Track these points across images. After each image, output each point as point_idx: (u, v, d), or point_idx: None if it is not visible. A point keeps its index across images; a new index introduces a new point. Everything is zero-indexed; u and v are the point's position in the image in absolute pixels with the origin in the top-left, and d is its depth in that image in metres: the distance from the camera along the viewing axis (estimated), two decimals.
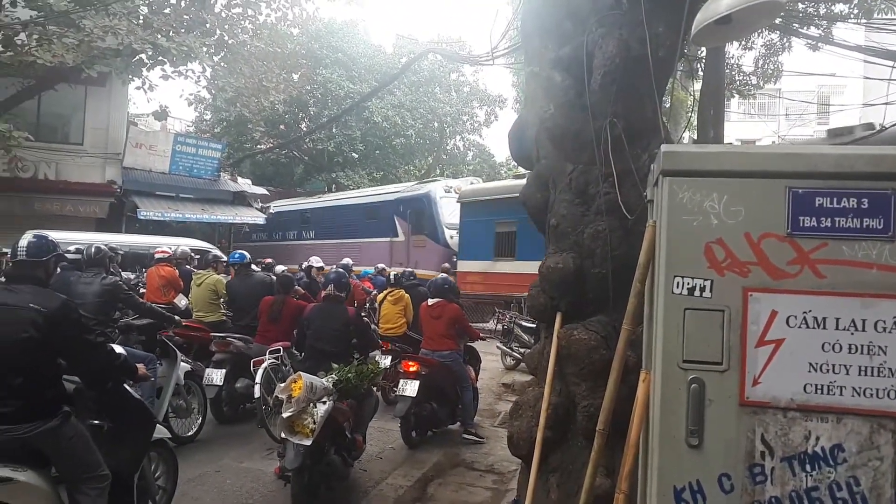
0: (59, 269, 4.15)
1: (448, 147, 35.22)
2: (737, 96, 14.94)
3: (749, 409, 2.25)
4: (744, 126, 27.91)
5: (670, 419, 2.26)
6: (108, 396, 3.59)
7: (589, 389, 3.57)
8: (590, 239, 3.65)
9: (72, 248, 6.92)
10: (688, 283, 2.27)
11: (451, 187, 17.59)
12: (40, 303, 3.02)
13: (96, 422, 3.53)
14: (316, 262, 10.62)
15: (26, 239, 3.25)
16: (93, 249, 6.12)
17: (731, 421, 2.25)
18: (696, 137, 8.66)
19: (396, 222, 18.41)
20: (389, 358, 7.41)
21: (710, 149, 2.40)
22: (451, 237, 16.56)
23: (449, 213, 16.80)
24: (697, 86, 8.69)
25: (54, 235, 3.77)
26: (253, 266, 8.74)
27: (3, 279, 4.54)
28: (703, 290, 2.26)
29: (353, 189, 26.73)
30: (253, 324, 7.23)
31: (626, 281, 3.50)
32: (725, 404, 2.25)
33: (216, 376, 6.59)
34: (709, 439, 2.23)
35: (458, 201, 16.26)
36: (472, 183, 18.53)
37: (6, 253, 4.92)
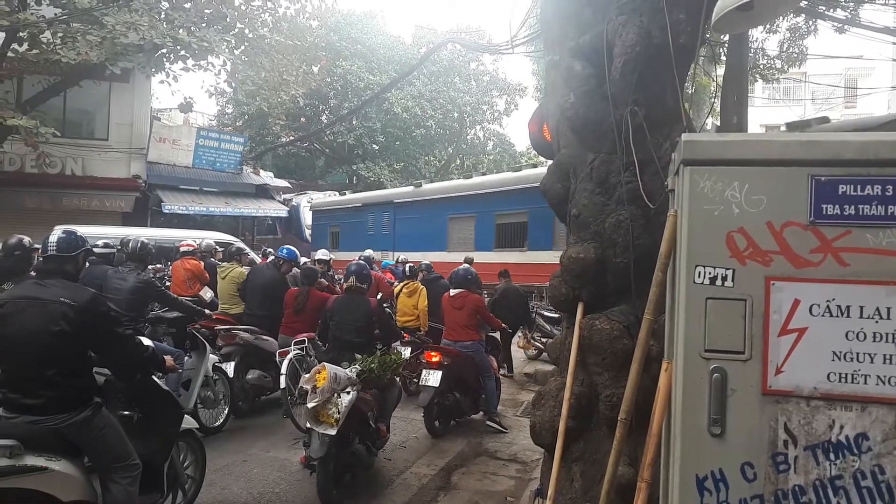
0: (87, 264, 4.23)
1: (468, 137, 35.15)
2: (761, 80, 14.69)
3: (772, 398, 2.23)
4: (768, 111, 27.45)
5: (692, 408, 2.25)
6: (137, 387, 3.68)
7: (611, 379, 3.57)
8: (611, 228, 3.63)
9: (100, 242, 7.05)
10: (709, 273, 2.26)
11: (310, 200, 24.68)
12: (70, 297, 3.09)
13: (126, 412, 3.62)
14: (323, 254, 10.70)
15: (56, 234, 3.31)
16: (138, 245, 6.12)
17: (753, 410, 2.24)
18: (719, 123, 8.54)
19: (276, 225, 25.37)
20: (409, 349, 7.47)
21: (731, 137, 2.37)
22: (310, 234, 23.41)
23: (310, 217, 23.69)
24: (720, 71, 8.56)
25: (82, 230, 3.85)
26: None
27: (33, 274, 4.66)
28: (724, 279, 2.25)
29: (375, 181, 27.22)
30: (260, 314, 7.30)
31: (647, 270, 3.49)
32: (748, 393, 2.24)
33: (226, 369, 6.68)
34: (731, 428, 2.23)
35: (309, 209, 23.51)
36: (326, 195, 25.77)
37: (37, 248, 5.02)
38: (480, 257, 13.43)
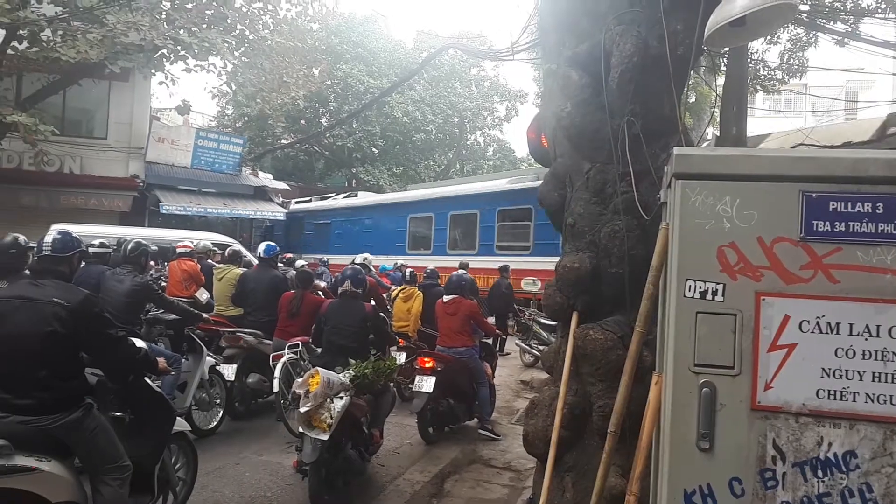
0: (82, 264, 4.22)
1: (468, 142, 35.20)
2: (761, 91, 14.72)
3: (761, 414, 2.24)
4: (768, 122, 27.48)
5: (681, 422, 2.26)
6: (129, 389, 3.67)
7: (604, 390, 3.57)
8: (606, 238, 3.64)
9: (96, 242, 7.03)
10: (700, 287, 2.27)
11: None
12: (63, 297, 3.09)
13: (118, 414, 3.61)
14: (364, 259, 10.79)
15: (51, 235, 3.32)
16: (131, 245, 5.97)
17: (742, 425, 2.24)
18: (718, 134, 8.56)
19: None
20: (404, 354, 7.45)
21: (723, 152, 2.38)
22: None
23: None
24: (720, 81, 8.58)
25: (79, 229, 3.86)
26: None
27: (27, 273, 4.65)
28: (715, 293, 2.26)
29: (374, 185, 27.35)
30: (264, 319, 7.28)
31: (642, 281, 3.45)
32: (737, 408, 2.25)
33: (228, 371, 6.64)
34: (720, 443, 2.23)
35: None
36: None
37: (33, 247, 5.02)
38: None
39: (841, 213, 2.21)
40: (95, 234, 8.56)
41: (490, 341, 7.93)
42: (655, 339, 2.89)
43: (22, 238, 5.58)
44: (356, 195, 21.92)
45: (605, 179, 3.75)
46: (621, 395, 2.67)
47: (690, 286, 2.27)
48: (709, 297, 2.26)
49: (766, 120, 27.17)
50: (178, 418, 4.11)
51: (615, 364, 3.46)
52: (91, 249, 7.09)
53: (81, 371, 3.31)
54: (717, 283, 2.25)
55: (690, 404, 2.24)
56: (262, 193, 21.96)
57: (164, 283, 8.71)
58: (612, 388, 3.46)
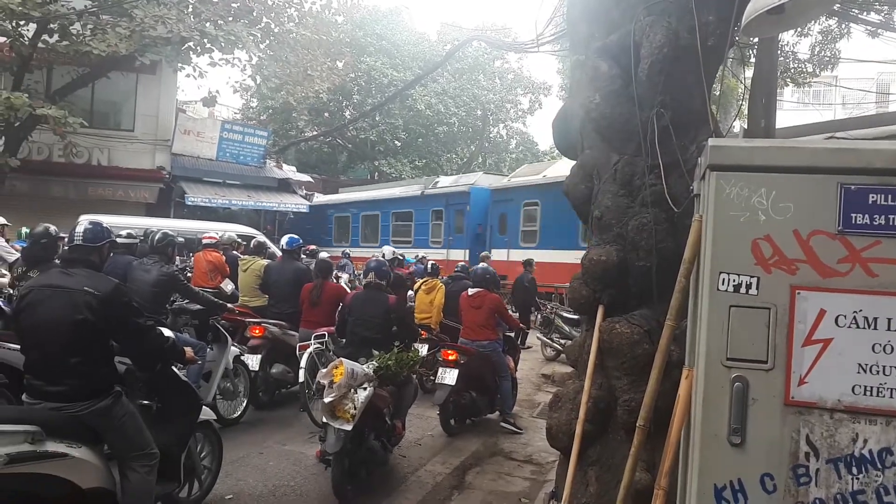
0: (111, 254, 4.28)
1: (491, 135, 35.07)
2: (791, 84, 14.44)
3: (794, 409, 2.20)
4: (797, 115, 27.02)
5: (712, 417, 2.22)
6: (157, 378, 3.72)
7: (630, 384, 3.53)
8: (634, 231, 3.59)
9: (123, 232, 7.13)
10: (734, 280, 2.22)
11: None
12: (94, 286, 3.13)
13: (146, 402, 3.67)
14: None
15: (83, 225, 3.36)
16: (158, 236, 6.08)
17: (775, 420, 2.20)
18: (746, 127, 8.40)
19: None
20: (426, 346, 7.46)
21: (759, 143, 2.33)
22: None
23: None
24: (749, 73, 8.42)
25: (107, 220, 3.90)
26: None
27: (58, 262, 4.73)
28: (749, 287, 2.21)
29: (396, 178, 27.45)
30: (288, 310, 7.34)
31: (670, 275, 3.44)
32: (770, 403, 2.20)
33: (252, 362, 6.71)
34: (752, 438, 2.19)
35: None
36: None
37: (63, 237, 5.09)
38: None
39: (881, 206, 2.15)
40: (123, 225, 8.67)
41: (513, 335, 7.91)
42: (683, 333, 2.85)
43: (53, 228, 5.68)
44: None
45: (634, 171, 3.70)
46: (651, 389, 2.63)
47: (724, 279, 2.23)
48: (742, 290, 2.21)
49: (794, 113, 26.73)
50: (203, 407, 4.16)
51: (641, 358, 3.42)
52: (118, 240, 7.21)
53: (111, 359, 3.36)
54: (752, 277, 2.21)
55: (722, 399, 2.21)
56: (285, 186, 22.11)
57: (189, 274, 8.81)
58: (637, 383, 3.43)
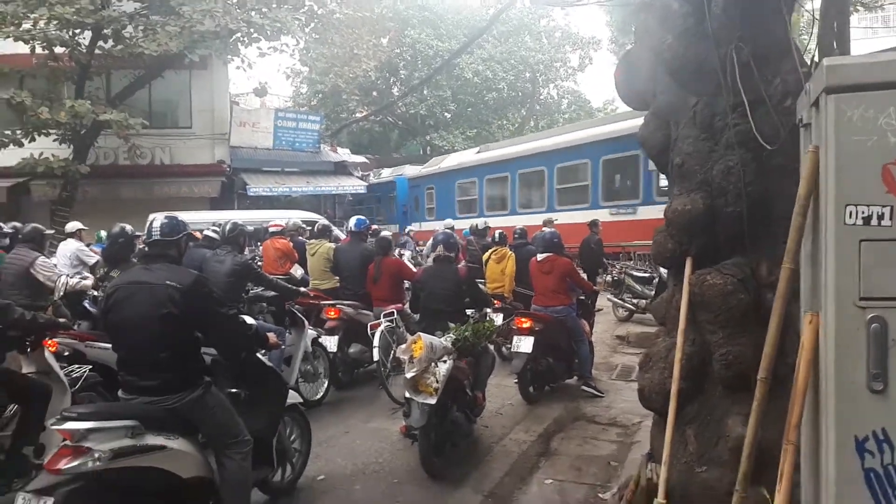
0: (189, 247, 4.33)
1: (541, 97, 34.37)
2: (860, 9, 13.46)
3: None
4: (865, 44, 25.33)
5: (848, 364, 2.03)
6: (243, 366, 3.75)
7: (726, 337, 3.34)
8: (720, 176, 3.36)
9: (208, 228, 7.36)
10: (862, 212, 2.00)
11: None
12: (175, 279, 3.14)
13: (234, 390, 3.69)
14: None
15: (159, 220, 3.37)
16: (228, 227, 6.20)
17: None
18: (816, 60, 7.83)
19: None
20: (501, 315, 7.36)
21: (883, 57, 2.08)
22: None
23: None
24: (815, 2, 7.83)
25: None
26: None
27: (135, 260, 4.81)
28: (881, 217, 1.99)
29: (449, 150, 27.05)
30: (360, 291, 7.37)
31: (762, 219, 3.23)
32: None
33: (329, 343, 6.75)
34: (895, 383, 2.00)
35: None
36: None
37: (139, 235, 5.20)
38: None
39: None
40: (190, 220, 8.80)
41: (586, 299, 7.73)
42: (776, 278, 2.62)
43: (128, 227, 5.81)
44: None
45: (714, 113, 3.46)
46: (771, 338, 2.44)
47: (851, 212, 2.00)
48: (874, 222, 1.99)
49: (863, 42, 25.05)
50: (290, 391, 4.19)
51: (737, 309, 3.22)
52: (206, 233, 7.48)
53: (198, 351, 3.38)
54: (884, 207, 1.98)
55: (857, 343, 2.01)
56: (342, 168, 22.26)
57: (259, 263, 8.95)
58: (734, 335, 3.25)
